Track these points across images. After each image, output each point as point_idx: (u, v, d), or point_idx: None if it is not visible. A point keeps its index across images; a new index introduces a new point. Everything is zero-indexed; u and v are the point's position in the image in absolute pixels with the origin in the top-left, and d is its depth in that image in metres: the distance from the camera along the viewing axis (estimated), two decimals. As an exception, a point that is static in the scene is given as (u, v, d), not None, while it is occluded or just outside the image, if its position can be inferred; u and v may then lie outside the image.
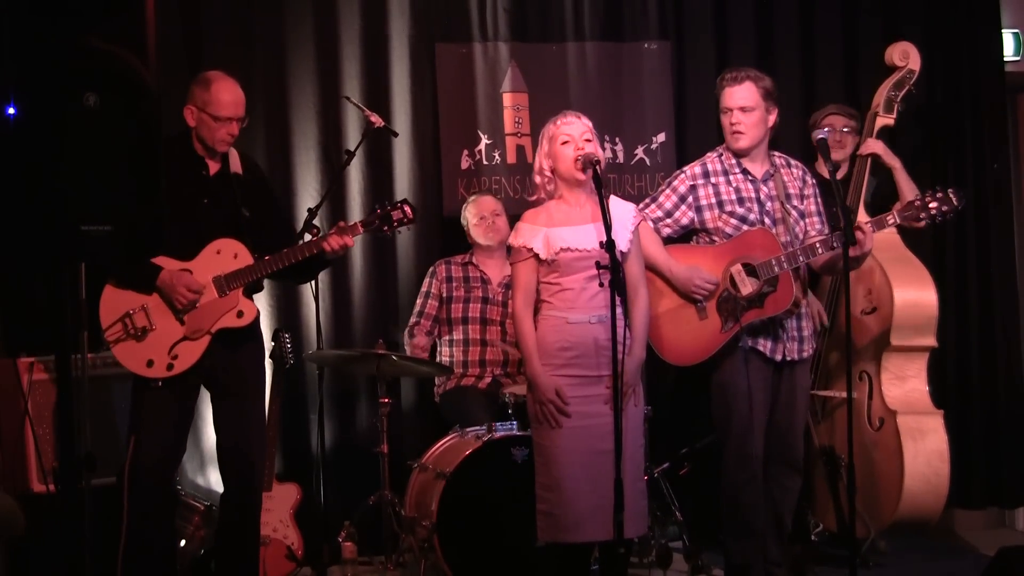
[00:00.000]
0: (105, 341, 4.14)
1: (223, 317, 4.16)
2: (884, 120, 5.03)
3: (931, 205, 4.40)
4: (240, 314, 4.19)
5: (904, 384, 4.99)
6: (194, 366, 4.13)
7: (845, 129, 5.21)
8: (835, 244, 4.30)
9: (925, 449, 4.88)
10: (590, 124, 4.07)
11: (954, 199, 4.41)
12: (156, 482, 4.13)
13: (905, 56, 5.04)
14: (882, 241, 4.84)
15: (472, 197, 5.42)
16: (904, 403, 4.95)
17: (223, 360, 4.19)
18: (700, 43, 5.86)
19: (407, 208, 4.42)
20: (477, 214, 5.33)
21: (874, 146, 5.01)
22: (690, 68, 5.86)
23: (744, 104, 4.44)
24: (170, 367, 4.10)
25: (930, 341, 5.01)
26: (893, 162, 5.15)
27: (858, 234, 4.27)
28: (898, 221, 4.49)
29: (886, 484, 4.87)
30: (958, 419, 5.81)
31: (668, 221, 4.54)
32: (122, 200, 2.78)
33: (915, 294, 4.96)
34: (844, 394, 4.96)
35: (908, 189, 5.08)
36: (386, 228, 4.41)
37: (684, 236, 4.63)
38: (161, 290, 4.10)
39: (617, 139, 5.73)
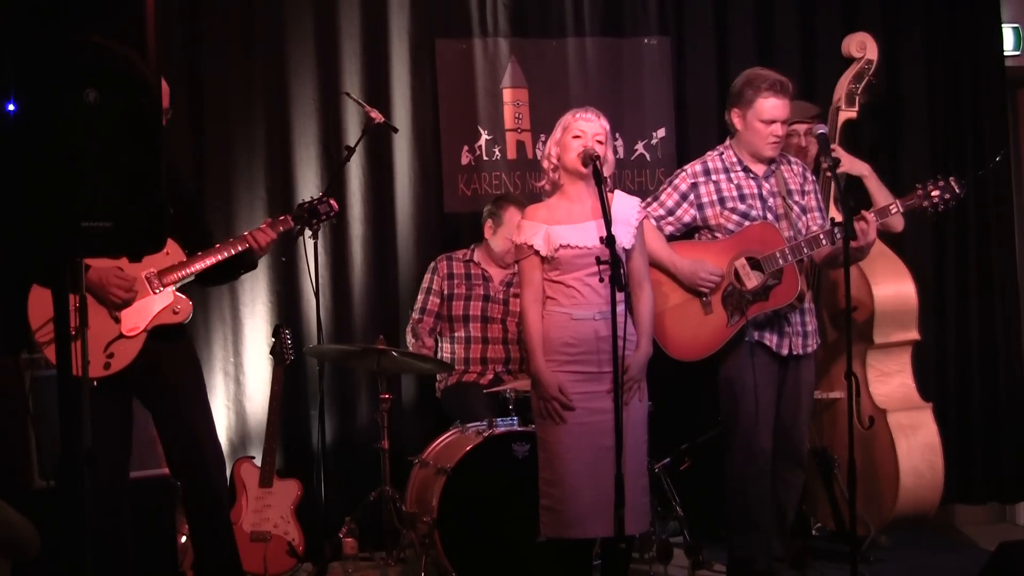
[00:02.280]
0: (36, 344, 4.06)
1: (159, 314, 4.11)
2: (847, 114, 5.00)
3: (933, 194, 4.37)
4: (176, 311, 4.14)
5: (891, 380, 4.99)
6: (130, 364, 4.06)
7: (807, 134, 5.10)
8: (838, 236, 4.28)
9: (918, 444, 4.88)
10: (607, 127, 4.06)
11: (956, 187, 4.38)
12: (108, 480, 4.05)
13: (862, 47, 5.01)
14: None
15: (513, 203, 5.22)
16: (893, 400, 4.95)
17: (155, 359, 4.12)
18: (700, 38, 5.86)
19: (332, 202, 4.51)
20: (511, 233, 5.17)
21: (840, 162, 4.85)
22: (690, 63, 5.86)
23: (786, 116, 4.44)
24: (107, 366, 4.03)
25: (912, 335, 5.00)
26: (861, 170, 5.09)
27: (860, 224, 4.25)
28: (901, 210, 4.47)
29: (882, 482, 4.88)
30: (959, 414, 5.83)
31: (670, 219, 4.54)
32: (122, 196, 2.77)
33: (893, 289, 4.95)
34: (833, 395, 4.98)
35: (881, 195, 5.03)
36: (315, 221, 4.49)
37: (686, 234, 4.63)
38: (91, 289, 4.02)
39: (617, 135, 5.72)
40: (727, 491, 4.49)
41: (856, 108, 4.99)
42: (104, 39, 2.72)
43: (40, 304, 4.02)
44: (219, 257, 4.18)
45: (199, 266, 4.16)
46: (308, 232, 4.91)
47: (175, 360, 4.20)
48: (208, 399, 4.35)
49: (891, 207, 4.46)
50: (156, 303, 4.12)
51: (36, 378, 4.62)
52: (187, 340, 4.34)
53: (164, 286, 4.12)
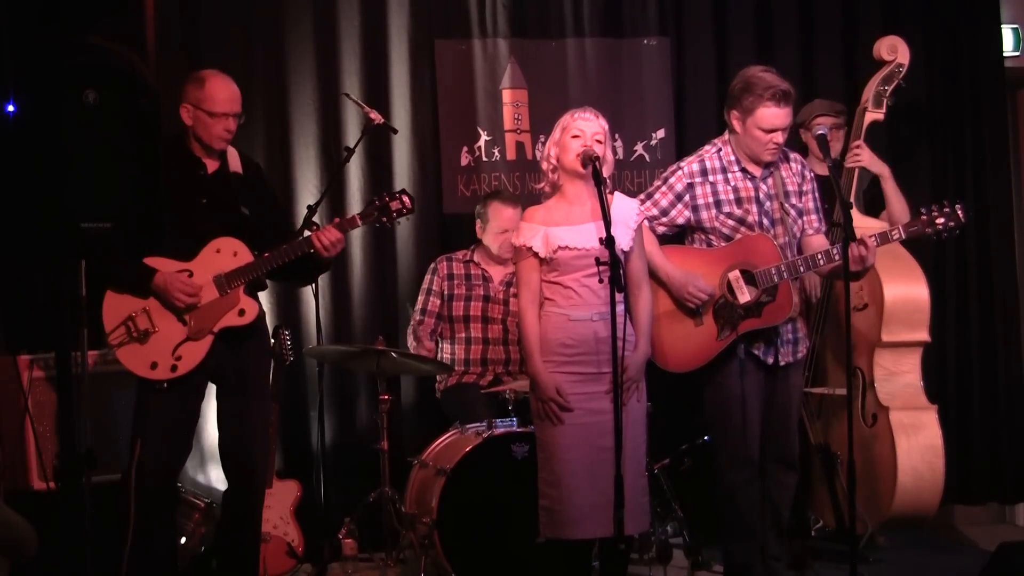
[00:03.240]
0: (109, 344, 4.11)
1: (225, 316, 4.13)
2: (873, 115, 4.99)
3: (938, 221, 4.30)
4: (242, 312, 4.16)
5: (897, 380, 4.98)
6: (198, 366, 4.11)
7: (834, 128, 5.13)
8: (836, 254, 4.23)
9: (918, 444, 4.87)
10: (606, 127, 4.05)
11: (960, 214, 4.30)
12: (161, 484, 4.11)
13: (893, 50, 5.01)
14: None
15: (498, 198, 5.28)
16: (897, 399, 4.94)
17: (227, 359, 4.17)
18: (699, 39, 5.86)
19: (405, 198, 4.34)
20: (499, 227, 5.21)
21: (860, 158, 4.93)
22: (689, 64, 5.86)
23: (788, 123, 4.36)
24: (174, 368, 4.07)
25: (922, 336, 4.99)
26: (881, 170, 5.11)
27: (860, 249, 4.17)
28: (903, 236, 4.40)
29: (881, 480, 4.87)
30: (959, 415, 5.83)
31: (664, 220, 4.44)
32: (122, 197, 2.78)
33: (906, 289, 4.95)
34: (839, 391, 4.97)
35: (896, 199, 5.04)
36: (385, 219, 4.33)
37: (678, 234, 4.57)
38: (155, 293, 4.07)
39: (617, 135, 5.72)
40: (718, 500, 4.45)
41: (883, 110, 4.98)
42: (104, 41, 2.73)
43: (113, 307, 4.06)
44: (283, 260, 4.17)
45: (266, 268, 4.16)
46: (307, 233, 4.90)
47: (242, 364, 4.22)
48: (269, 407, 4.39)
49: (892, 233, 4.39)
50: (224, 305, 4.13)
51: (33, 379, 4.63)
52: (257, 341, 4.32)
53: (231, 288, 4.13)
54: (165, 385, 4.06)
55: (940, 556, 5.31)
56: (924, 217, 4.34)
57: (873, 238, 4.31)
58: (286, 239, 4.24)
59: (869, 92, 5.00)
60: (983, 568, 3.96)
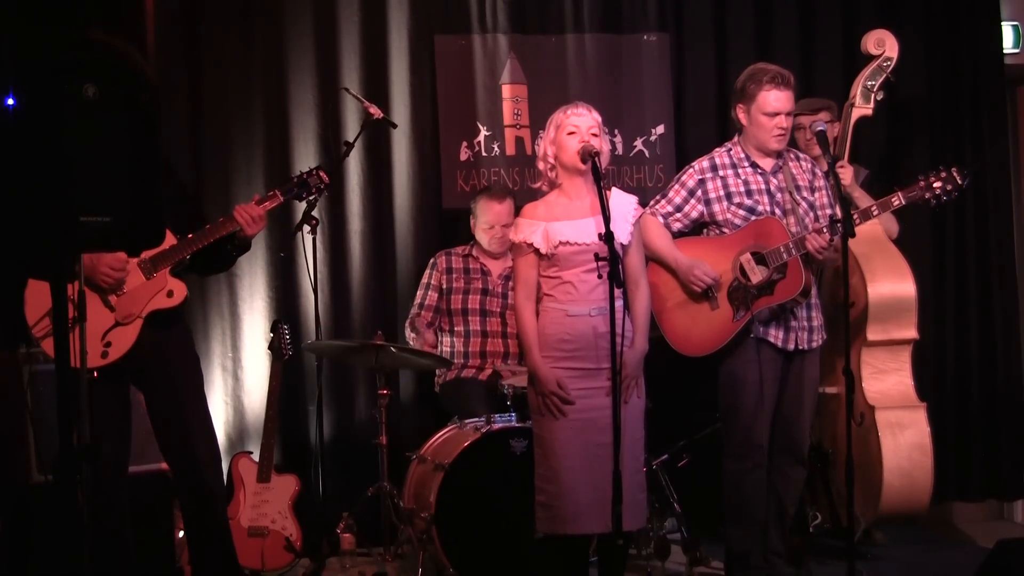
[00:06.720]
0: (34, 338, 4.05)
1: (153, 299, 4.09)
2: (861, 111, 4.96)
3: (935, 184, 4.35)
4: (170, 294, 4.12)
5: (886, 378, 4.98)
6: (128, 352, 4.04)
7: (815, 125, 5.13)
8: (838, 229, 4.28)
9: (905, 443, 4.86)
10: (599, 119, 4.06)
11: (958, 177, 4.35)
12: (107, 474, 4.04)
13: (880, 44, 4.98)
14: (862, 234, 4.79)
15: (486, 194, 5.32)
16: (884, 397, 4.94)
17: (152, 350, 4.10)
18: (699, 35, 5.87)
19: (322, 174, 4.45)
20: (488, 222, 5.27)
21: (843, 178, 4.79)
22: (689, 60, 5.87)
23: (790, 108, 4.45)
24: (104, 355, 4.01)
25: (910, 334, 4.98)
26: (854, 193, 5.09)
27: (829, 253, 4.29)
28: (903, 202, 4.42)
29: (868, 479, 4.87)
30: (957, 412, 5.83)
31: (678, 215, 4.55)
32: (121, 191, 2.77)
33: (891, 287, 4.94)
34: (831, 390, 4.98)
35: (885, 218, 5.00)
36: (305, 194, 4.44)
37: (695, 229, 4.63)
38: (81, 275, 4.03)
39: (616, 131, 5.74)
40: (723, 485, 4.50)
41: (871, 105, 4.94)
42: (104, 35, 2.72)
43: (36, 298, 4.02)
44: (211, 238, 4.14)
45: (191, 249, 4.14)
46: (307, 228, 4.91)
47: (172, 348, 4.19)
48: (204, 390, 4.33)
49: (892, 199, 4.40)
50: (151, 288, 4.10)
51: (33, 373, 4.62)
52: (184, 326, 4.32)
53: (157, 271, 4.10)
54: (96, 374, 3.98)
55: (938, 553, 5.31)
56: (922, 183, 4.38)
57: (874, 207, 4.39)
58: (199, 226, 4.19)
59: (856, 88, 4.98)
60: (981, 564, 3.95)
